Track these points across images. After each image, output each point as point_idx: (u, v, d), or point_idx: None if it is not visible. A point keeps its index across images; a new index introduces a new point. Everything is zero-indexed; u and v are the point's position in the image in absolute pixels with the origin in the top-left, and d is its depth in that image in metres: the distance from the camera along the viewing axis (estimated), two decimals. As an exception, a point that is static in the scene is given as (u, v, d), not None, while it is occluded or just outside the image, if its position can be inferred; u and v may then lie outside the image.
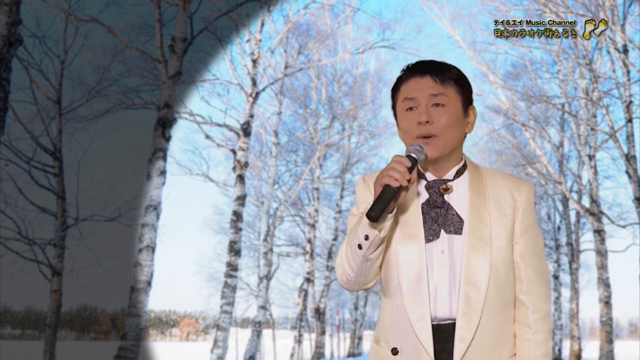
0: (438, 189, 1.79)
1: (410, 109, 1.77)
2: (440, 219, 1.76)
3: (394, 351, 1.75)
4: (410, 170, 1.65)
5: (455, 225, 1.75)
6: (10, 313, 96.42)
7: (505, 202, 1.78)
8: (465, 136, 1.83)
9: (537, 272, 1.78)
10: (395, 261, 1.76)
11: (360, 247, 1.70)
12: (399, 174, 1.62)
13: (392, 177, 1.62)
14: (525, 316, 1.76)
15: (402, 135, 1.80)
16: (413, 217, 1.77)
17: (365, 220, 1.67)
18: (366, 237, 1.68)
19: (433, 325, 1.71)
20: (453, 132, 1.76)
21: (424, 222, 1.77)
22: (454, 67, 1.81)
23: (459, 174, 1.81)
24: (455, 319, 1.71)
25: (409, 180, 1.63)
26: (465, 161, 1.84)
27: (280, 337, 32.48)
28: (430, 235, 1.75)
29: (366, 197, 1.82)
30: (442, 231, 1.75)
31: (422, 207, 1.78)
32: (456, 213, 1.76)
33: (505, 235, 1.76)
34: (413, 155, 1.69)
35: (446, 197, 1.79)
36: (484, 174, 1.83)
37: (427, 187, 1.80)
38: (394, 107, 1.85)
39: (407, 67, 1.83)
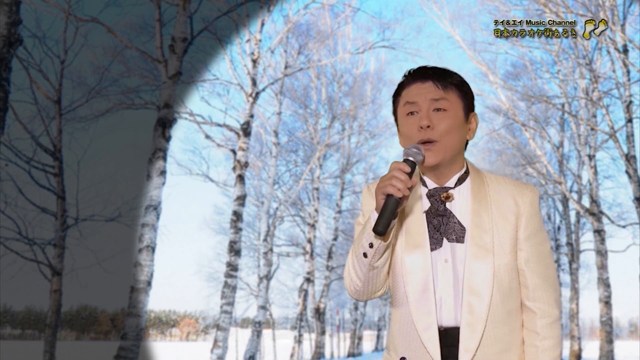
0: (439, 197, 1.77)
1: (412, 113, 1.75)
2: (442, 227, 1.75)
3: None
4: (410, 175, 1.63)
5: (457, 233, 1.74)
6: (10, 313, 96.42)
7: (508, 209, 1.76)
8: (467, 143, 1.81)
9: (543, 278, 1.76)
10: (400, 270, 1.75)
11: (365, 255, 1.71)
12: (401, 183, 1.61)
13: (394, 187, 1.61)
14: (533, 323, 1.74)
15: (403, 141, 1.79)
16: (417, 225, 1.76)
17: (370, 228, 1.67)
18: (371, 245, 1.69)
19: (440, 331, 1.70)
20: (454, 138, 1.74)
21: (427, 230, 1.76)
22: (456, 74, 1.80)
23: (460, 180, 1.79)
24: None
25: (410, 188, 1.63)
26: (467, 167, 1.82)
27: (280, 337, 32.46)
28: (434, 244, 1.74)
29: (371, 206, 1.80)
30: (445, 239, 1.74)
31: (425, 215, 1.77)
32: (458, 221, 1.75)
33: (508, 242, 1.74)
34: (411, 158, 1.67)
35: (448, 204, 1.77)
36: (487, 180, 1.81)
37: (429, 196, 1.78)
38: (395, 112, 1.83)
39: (409, 72, 1.81)
